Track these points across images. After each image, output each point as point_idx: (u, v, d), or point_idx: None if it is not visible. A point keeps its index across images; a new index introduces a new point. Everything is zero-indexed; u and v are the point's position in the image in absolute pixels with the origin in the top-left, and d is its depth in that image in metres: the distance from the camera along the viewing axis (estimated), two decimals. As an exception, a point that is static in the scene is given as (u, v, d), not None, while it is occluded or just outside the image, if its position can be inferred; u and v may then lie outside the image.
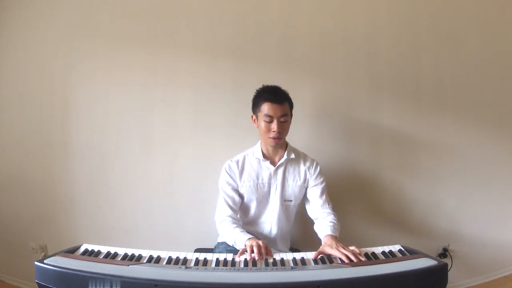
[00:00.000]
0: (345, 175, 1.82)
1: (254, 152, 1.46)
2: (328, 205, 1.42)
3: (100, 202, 1.82)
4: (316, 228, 1.39)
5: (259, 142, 1.47)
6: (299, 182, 1.45)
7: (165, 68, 1.76)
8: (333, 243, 1.16)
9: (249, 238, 1.21)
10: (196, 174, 1.79)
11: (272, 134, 1.35)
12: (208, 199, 1.78)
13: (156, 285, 0.90)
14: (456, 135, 1.85)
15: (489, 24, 1.84)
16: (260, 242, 1.15)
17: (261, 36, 1.76)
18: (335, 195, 1.79)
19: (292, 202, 1.46)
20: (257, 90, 1.43)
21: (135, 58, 1.76)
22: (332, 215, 1.37)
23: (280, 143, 1.41)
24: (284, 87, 1.72)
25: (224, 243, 1.48)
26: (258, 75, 1.75)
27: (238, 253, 1.15)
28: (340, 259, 1.09)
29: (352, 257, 1.07)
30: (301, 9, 1.77)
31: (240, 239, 1.25)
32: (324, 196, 1.43)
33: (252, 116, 1.44)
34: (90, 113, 1.79)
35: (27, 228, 1.87)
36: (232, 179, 1.43)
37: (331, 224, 1.31)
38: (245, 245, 1.19)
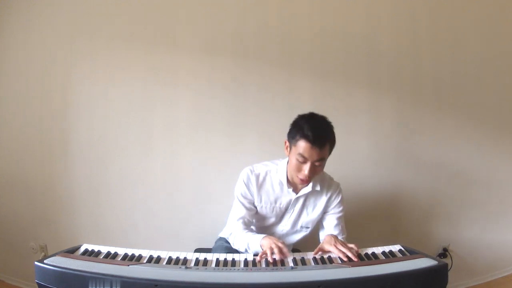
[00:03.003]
0: (344, 175, 1.81)
1: (278, 173, 1.31)
2: (343, 234, 1.33)
3: (100, 202, 1.82)
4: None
5: (286, 162, 1.30)
6: (319, 211, 1.35)
7: (165, 67, 1.76)
8: (332, 240, 1.15)
9: (264, 237, 1.16)
10: (196, 174, 1.79)
11: (301, 176, 1.21)
12: (207, 199, 1.78)
13: (156, 285, 0.89)
14: (456, 135, 1.85)
15: (489, 24, 1.84)
16: (280, 243, 1.10)
17: (261, 36, 1.76)
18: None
19: (309, 228, 1.37)
20: (299, 116, 1.25)
21: (135, 58, 1.76)
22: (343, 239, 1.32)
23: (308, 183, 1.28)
24: (284, 86, 1.72)
25: (223, 238, 1.45)
26: (258, 75, 1.75)
27: (259, 255, 1.09)
28: (341, 258, 1.09)
29: (350, 254, 1.07)
30: (301, 9, 1.78)
31: (253, 240, 1.18)
32: (340, 226, 1.34)
33: (285, 142, 1.27)
34: (90, 113, 1.79)
35: (27, 228, 1.87)
36: (250, 192, 1.32)
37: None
38: (262, 245, 1.14)
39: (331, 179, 1.39)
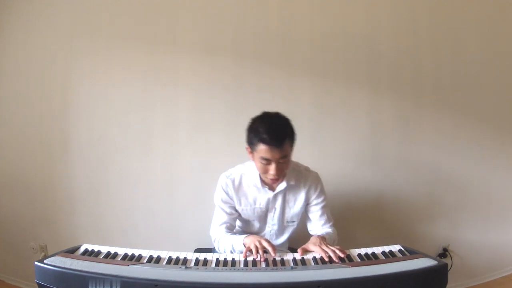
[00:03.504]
0: (345, 176, 1.82)
1: (252, 176, 1.32)
2: (329, 222, 1.36)
3: (100, 202, 1.82)
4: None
5: None
6: (301, 204, 1.36)
7: (165, 67, 1.76)
8: (317, 240, 1.17)
9: (246, 236, 1.20)
10: (196, 173, 1.79)
11: (270, 176, 1.22)
12: (208, 199, 1.77)
13: (156, 285, 0.89)
14: (456, 135, 1.85)
15: (489, 24, 1.84)
16: (262, 242, 1.13)
17: (261, 36, 1.76)
18: (334, 196, 1.79)
19: (295, 222, 1.39)
20: (252, 120, 1.25)
21: (135, 58, 1.76)
22: (331, 229, 1.35)
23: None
24: (284, 86, 1.72)
25: None
26: (258, 75, 1.75)
27: (243, 253, 1.12)
28: (341, 258, 1.09)
29: (332, 255, 1.07)
30: (301, 9, 1.78)
31: (237, 241, 1.22)
32: (325, 215, 1.36)
33: (247, 148, 1.27)
34: (90, 113, 1.79)
35: (27, 228, 1.87)
36: (229, 196, 1.34)
37: (325, 232, 1.31)
38: (245, 244, 1.18)
39: (307, 170, 1.38)
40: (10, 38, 1.79)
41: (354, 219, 1.85)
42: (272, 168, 1.20)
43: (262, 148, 1.18)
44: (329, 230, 1.34)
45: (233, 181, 1.34)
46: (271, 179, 1.25)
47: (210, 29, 1.76)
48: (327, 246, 1.12)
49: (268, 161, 1.19)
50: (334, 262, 1.05)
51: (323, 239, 1.21)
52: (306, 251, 1.15)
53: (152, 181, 1.80)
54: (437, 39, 1.81)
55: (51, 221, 1.84)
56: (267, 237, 1.37)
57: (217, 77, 1.76)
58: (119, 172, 1.80)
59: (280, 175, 1.24)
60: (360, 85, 1.80)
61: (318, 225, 1.36)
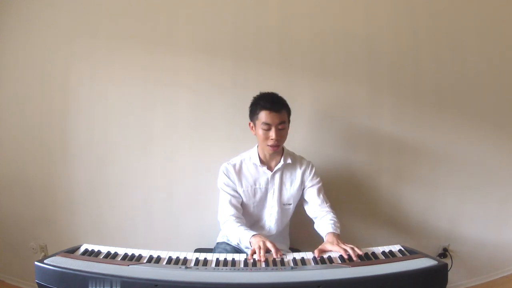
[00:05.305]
0: (345, 176, 1.82)
1: (251, 157, 1.46)
2: (326, 203, 1.43)
3: (100, 202, 1.82)
4: (316, 227, 1.40)
5: (256, 146, 1.48)
6: (296, 186, 1.46)
7: (165, 68, 1.76)
8: (334, 240, 1.19)
9: (254, 235, 1.22)
10: (195, 174, 1.79)
11: (270, 142, 1.36)
12: (207, 199, 1.78)
13: (156, 285, 0.90)
14: (456, 135, 1.85)
15: (489, 24, 1.83)
16: (266, 243, 1.14)
17: (261, 36, 1.76)
18: (334, 197, 1.79)
19: (292, 205, 1.47)
20: (254, 98, 1.42)
21: (135, 58, 1.76)
22: (331, 213, 1.39)
23: (278, 150, 1.41)
24: (283, 87, 1.72)
25: (223, 243, 1.49)
26: (258, 75, 1.75)
27: (249, 254, 1.13)
28: (341, 258, 1.10)
29: (351, 252, 1.09)
30: (301, 9, 1.77)
31: (244, 236, 1.25)
32: (321, 195, 1.45)
33: (249, 123, 1.44)
34: (90, 113, 1.79)
35: (27, 228, 1.87)
36: (231, 180, 1.44)
37: (332, 222, 1.32)
38: (250, 242, 1.19)
39: (301, 157, 1.52)
40: (10, 38, 1.79)
41: (353, 220, 1.85)
42: (272, 133, 1.34)
43: (262, 115, 1.35)
44: (331, 214, 1.37)
45: (234, 166, 1.45)
46: (271, 146, 1.36)
47: (210, 29, 1.76)
48: (344, 244, 1.14)
49: (268, 126, 1.34)
50: (352, 260, 1.07)
51: (338, 237, 1.24)
52: (323, 252, 1.16)
53: (152, 181, 1.80)
54: (437, 39, 1.81)
55: (51, 221, 1.84)
56: (267, 225, 1.46)
57: (217, 77, 1.76)
58: (119, 172, 1.80)
59: (279, 142, 1.37)
60: (360, 85, 1.80)
61: (315, 205, 1.43)
